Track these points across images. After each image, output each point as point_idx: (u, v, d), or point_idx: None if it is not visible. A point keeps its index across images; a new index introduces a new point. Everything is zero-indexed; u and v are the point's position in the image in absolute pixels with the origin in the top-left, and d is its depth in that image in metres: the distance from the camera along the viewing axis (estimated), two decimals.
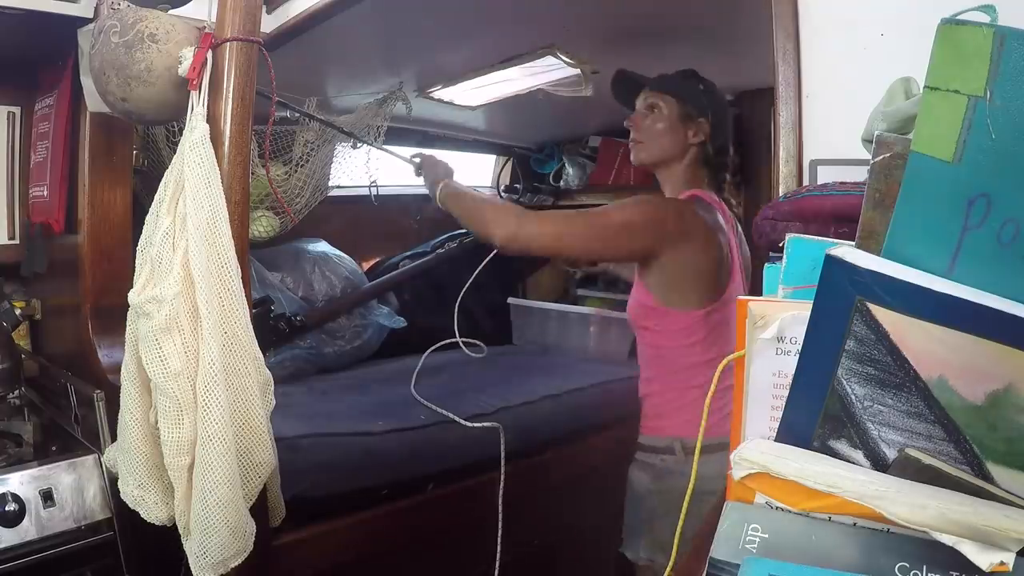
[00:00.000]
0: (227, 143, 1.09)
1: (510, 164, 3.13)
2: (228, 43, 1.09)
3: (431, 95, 2.20)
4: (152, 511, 1.10)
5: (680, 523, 0.68)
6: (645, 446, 1.55)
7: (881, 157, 0.47)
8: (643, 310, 1.52)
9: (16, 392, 1.63)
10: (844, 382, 0.48)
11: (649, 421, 1.56)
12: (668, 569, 0.68)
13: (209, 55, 1.09)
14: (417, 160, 1.82)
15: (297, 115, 1.82)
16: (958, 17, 0.42)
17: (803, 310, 0.50)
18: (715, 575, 0.47)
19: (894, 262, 0.45)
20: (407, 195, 2.81)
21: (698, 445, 0.66)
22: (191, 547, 1.04)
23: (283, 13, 1.50)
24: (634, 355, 2.37)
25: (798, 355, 0.50)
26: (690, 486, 0.68)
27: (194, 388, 1.02)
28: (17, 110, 1.75)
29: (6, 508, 1.21)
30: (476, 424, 1.67)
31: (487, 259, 1.91)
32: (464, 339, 2.07)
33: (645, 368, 1.59)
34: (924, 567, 0.43)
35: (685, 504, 0.68)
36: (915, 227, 0.45)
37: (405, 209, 2.78)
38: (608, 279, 2.60)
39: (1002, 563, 0.40)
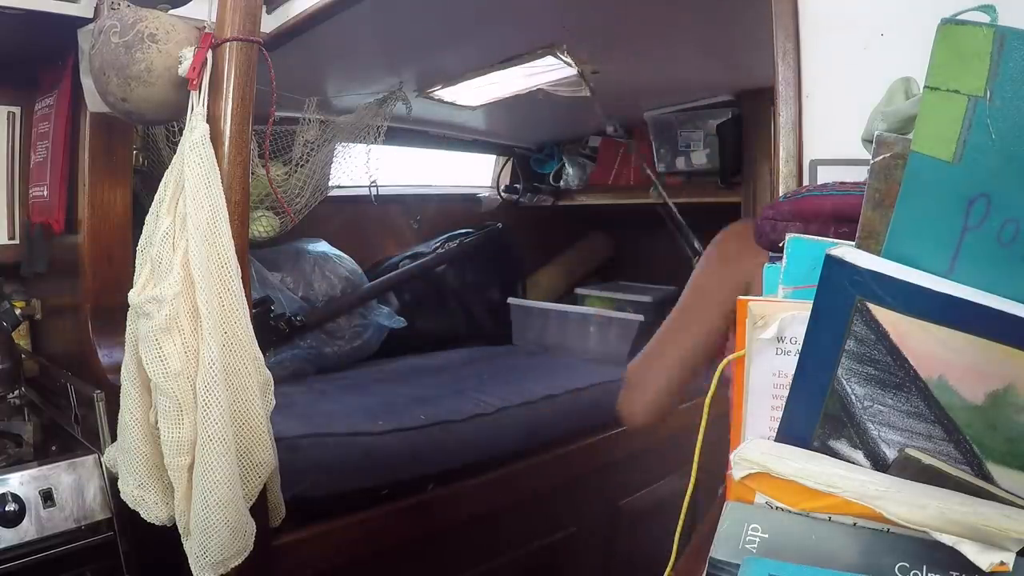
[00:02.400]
0: (227, 143, 1.09)
1: (510, 164, 3.13)
2: (228, 43, 1.09)
3: (431, 95, 2.20)
4: (152, 511, 1.10)
5: (680, 522, 0.68)
6: None
7: (881, 157, 0.47)
8: None
9: (16, 392, 1.63)
10: (844, 382, 0.48)
11: None
12: (668, 569, 0.68)
13: (209, 55, 1.09)
14: None
15: (297, 115, 1.81)
16: (958, 17, 0.42)
17: (803, 310, 0.50)
18: (715, 575, 0.47)
19: (894, 262, 0.45)
20: (407, 195, 2.82)
21: (698, 444, 0.66)
22: (191, 547, 1.04)
23: (283, 13, 1.50)
24: (634, 355, 2.38)
25: (798, 355, 0.50)
26: (690, 485, 0.68)
27: (194, 388, 1.02)
28: (17, 110, 1.75)
29: (6, 508, 1.21)
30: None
31: None
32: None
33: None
34: (924, 567, 0.43)
35: (686, 503, 0.68)
36: (915, 227, 0.45)
37: (405, 209, 2.78)
38: None
39: (1002, 563, 0.40)
